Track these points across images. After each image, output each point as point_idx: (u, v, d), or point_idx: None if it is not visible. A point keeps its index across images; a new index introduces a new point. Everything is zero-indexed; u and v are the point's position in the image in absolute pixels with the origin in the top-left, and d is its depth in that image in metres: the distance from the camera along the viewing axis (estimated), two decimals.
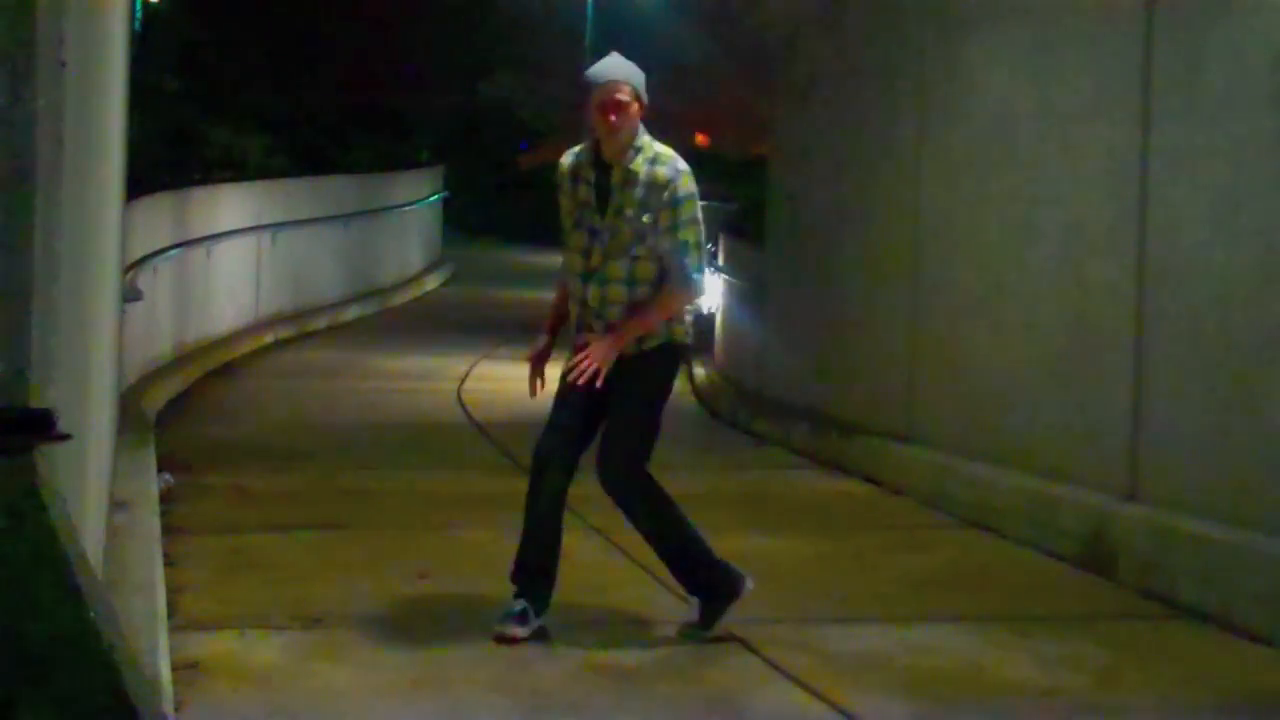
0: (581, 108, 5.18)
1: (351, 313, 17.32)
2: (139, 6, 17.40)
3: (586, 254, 5.14)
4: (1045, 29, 7.12)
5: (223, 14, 24.35)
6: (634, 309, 5.11)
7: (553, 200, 5.33)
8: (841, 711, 4.53)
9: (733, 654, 5.08)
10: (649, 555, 6.39)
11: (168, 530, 6.29)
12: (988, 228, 7.57)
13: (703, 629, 5.20)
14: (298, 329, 15.50)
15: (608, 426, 5.20)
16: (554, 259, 28.86)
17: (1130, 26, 6.40)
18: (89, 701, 2.11)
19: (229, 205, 14.35)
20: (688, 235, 5.09)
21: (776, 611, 5.61)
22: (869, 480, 8.44)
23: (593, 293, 5.13)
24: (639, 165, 5.09)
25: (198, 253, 12.91)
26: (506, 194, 34.12)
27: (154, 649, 4.23)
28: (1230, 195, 5.80)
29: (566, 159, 5.26)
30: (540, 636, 5.14)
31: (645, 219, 5.05)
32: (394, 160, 22.08)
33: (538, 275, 24.75)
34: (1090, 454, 6.61)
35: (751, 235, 11.94)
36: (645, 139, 5.14)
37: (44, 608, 2.16)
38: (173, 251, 11.77)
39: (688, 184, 5.10)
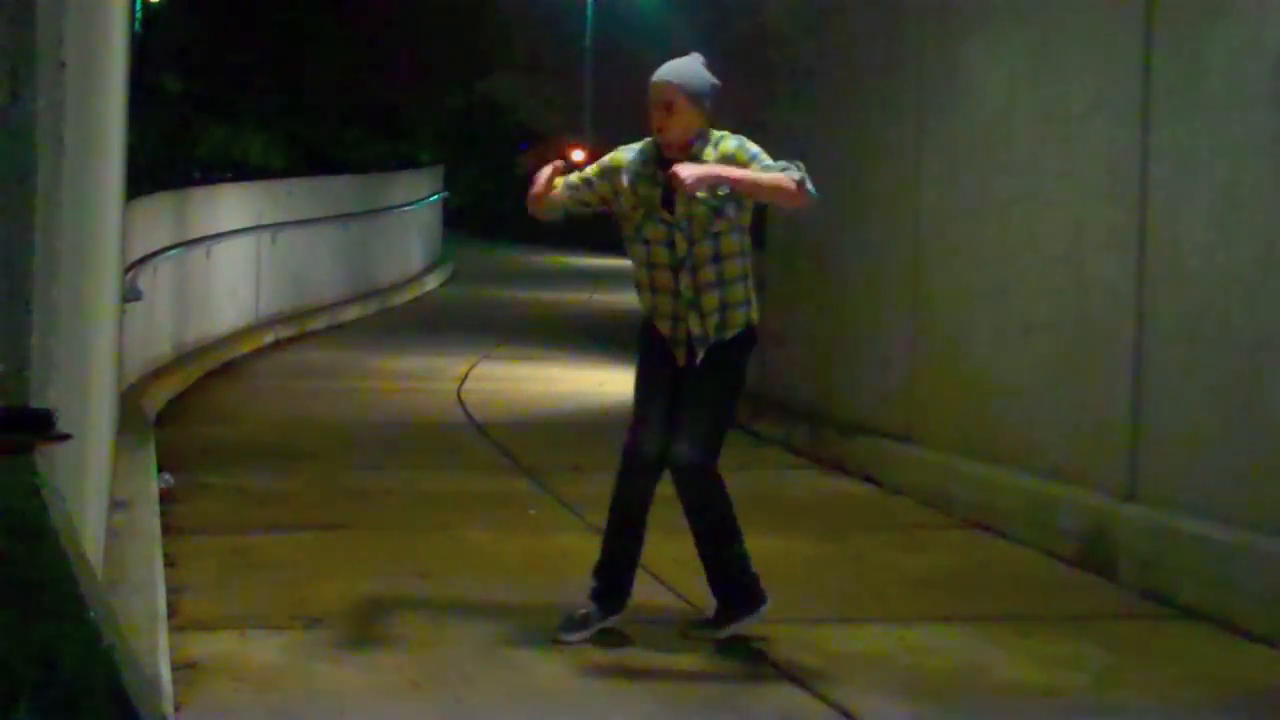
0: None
1: (351, 313, 17.32)
2: (139, 6, 17.40)
3: (670, 244, 5.15)
4: (1045, 29, 7.12)
5: (223, 14, 24.36)
6: (724, 283, 5.14)
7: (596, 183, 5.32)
8: (841, 711, 4.53)
9: (733, 654, 5.08)
10: (649, 555, 6.40)
11: (168, 530, 6.29)
12: (988, 228, 7.57)
13: (712, 629, 5.20)
14: (298, 329, 15.50)
15: (684, 415, 5.18)
16: (554, 259, 28.58)
17: (1130, 26, 6.39)
18: (89, 701, 2.11)
19: (229, 205, 14.35)
20: (787, 164, 5.09)
21: (776, 611, 5.61)
22: (869, 480, 8.44)
23: (684, 281, 5.14)
24: (703, 150, 5.12)
25: (198, 253, 12.91)
26: (506, 194, 34.13)
27: (154, 649, 4.23)
28: (1230, 195, 5.80)
29: (625, 154, 5.27)
30: (611, 641, 5.14)
31: (721, 191, 5.07)
32: (394, 160, 22.08)
33: (537, 275, 24.77)
34: (1090, 454, 6.61)
35: (751, 235, 11.93)
36: (714, 133, 5.17)
37: (43, 608, 2.16)
38: (173, 251, 11.77)
39: (753, 144, 5.14)
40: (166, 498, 7.00)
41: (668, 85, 5.15)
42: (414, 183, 22.13)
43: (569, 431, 10.38)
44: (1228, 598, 5.56)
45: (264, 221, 15.17)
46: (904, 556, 6.73)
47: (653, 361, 5.27)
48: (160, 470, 7.46)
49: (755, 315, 5.31)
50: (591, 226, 30.99)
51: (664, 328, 5.22)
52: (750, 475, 8.85)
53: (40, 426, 2.34)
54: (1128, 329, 6.35)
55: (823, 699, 4.62)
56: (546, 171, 5.23)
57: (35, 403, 2.36)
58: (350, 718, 4.35)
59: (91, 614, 2.18)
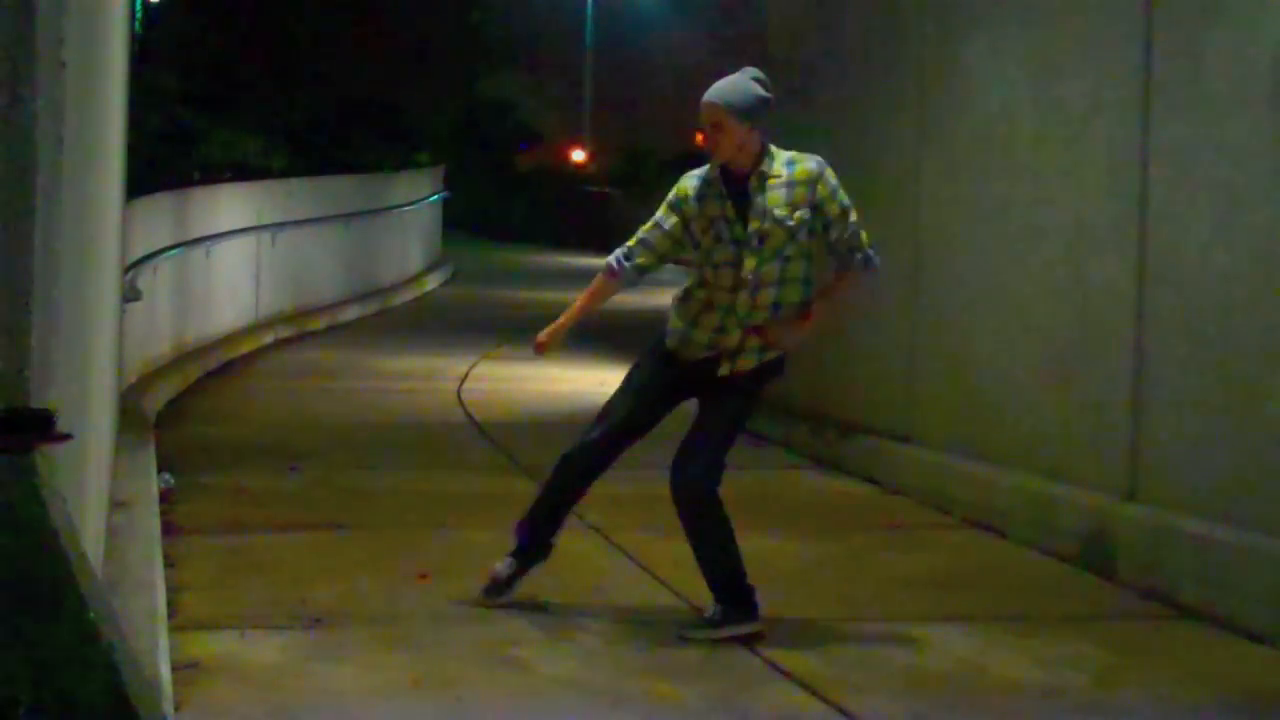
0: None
1: (351, 313, 17.31)
2: (139, 6, 17.39)
3: (737, 264, 5.15)
4: (1045, 28, 7.12)
5: (223, 14, 24.35)
6: (779, 306, 5.17)
7: (629, 210, 5.39)
8: (841, 711, 4.53)
9: (733, 654, 5.08)
10: (649, 555, 6.41)
11: (168, 530, 6.29)
12: (988, 227, 7.57)
13: (709, 625, 5.21)
14: (298, 329, 15.50)
15: (697, 431, 5.24)
16: (554, 259, 28.58)
17: (1130, 26, 6.39)
18: (89, 701, 2.11)
19: (229, 205, 14.35)
20: (856, 219, 5.20)
21: (776, 611, 5.61)
22: (869, 480, 8.43)
23: (742, 300, 5.15)
24: (777, 169, 5.14)
25: (198, 253, 12.91)
26: (506, 194, 34.13)
27: (154, 649, 4.23)
28: (1231, 194, 5.80)
29: (690, 181, 5.29)
30: (611, 641, 5.19)
31: (797, 215, 5.11)
32: (394, 160, 22.07)
33: (537, 275, 24.77)
34: (1090, 454, 6.61)
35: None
36: (771, 149, 5.20)
37: (43, 608, 2.16)
38: (173, 251, 11.77)
39: (834, 174, 5.20)
40: (166, 498, 7.00)
41: (713, 105, 5.16)
42: (414, 183, 22.12)
43: (569, 431, 10.34)
44: (1228, 598, 5.56)
45: (264, 221, 15.16)
46: (904, 556, 6.72)
47: (661, 372, 5.32)
48: (160, 470, 7.46)
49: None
50: (591, 226, 31.02)
51: (700, 337, 5.22)
52: (750, 475, 8.85)
53: (40, 426, 2.34)
54: (1128, 329, 6.35)
55: (823, 699, 4.62)
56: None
57: (35, 403, 2.36)
58: (350, 718, 4.35)
59: (91, 614, 2.18)
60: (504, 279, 23.63)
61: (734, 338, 5.19)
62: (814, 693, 4.67)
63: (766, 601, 5.62)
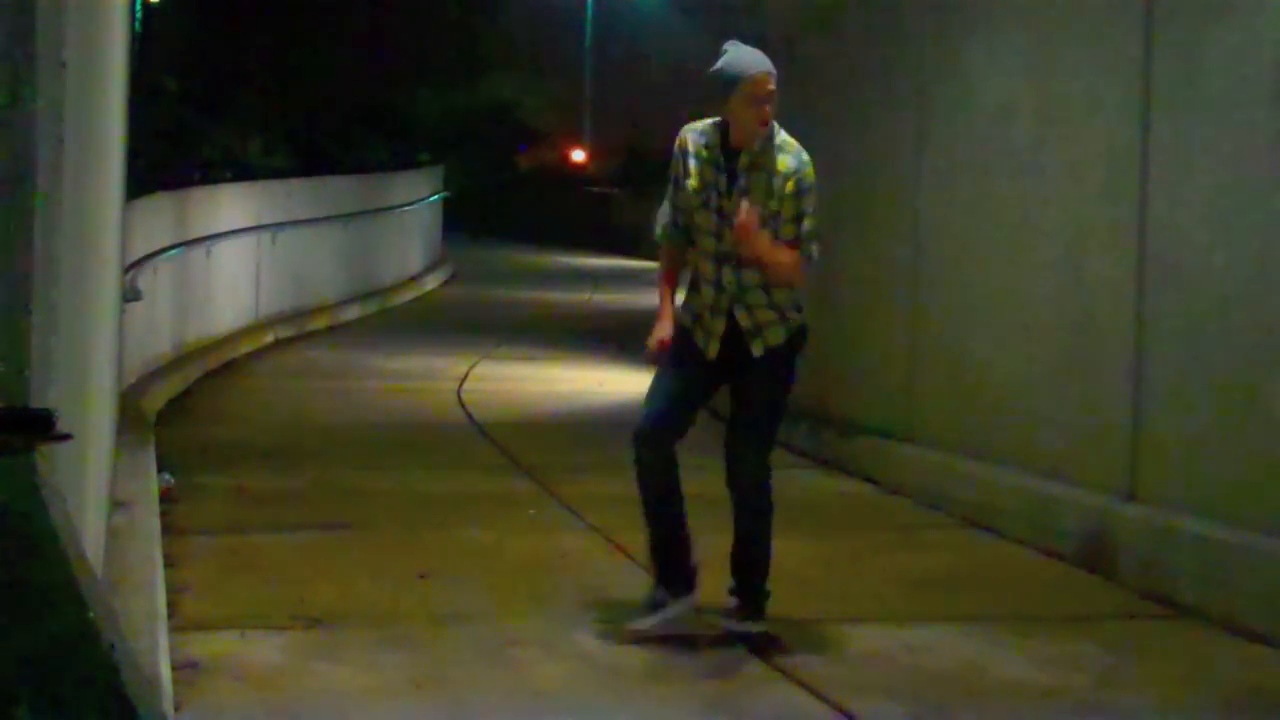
0: (713, 99, 5.12)
1: (351, 313, 17.31)
2: (139, 6, 17.40)
3: (718, 235, 5.13)
4: (1045, 28, 7.12)
5: (223, 14, 24.36)
6: (768, 291, 5.13)
7: (639, 173, 5.32)
8: (841, 711, 4.53)
9: (733, 654, 5.08)
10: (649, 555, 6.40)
11: (168, 530, 6.29)
12: (988, 227, 7.57)
13: (737, 620, 5.17)
14: (298, 329, 15.49)
15: (741, 417, 5.20)
16: (554, 259, 28.53)
17: (1130, 26, 6.39)
18: (89, 701, 2.11)
19: (229, 205, 14.34)
20: (810, 224, 5.11)
21: (777, 611, 5.61)
22: (869, 480, 8.43)
23: (727, 276, 5.12)
24: (769, 153, 5.09)
25: (198, 253, 12.91)
26: (506, 194, 34.11)
27: (154, 649, 4.23)
28: (1230, 194, 5.80)
29: (691, 136, 5.21)
30: (611, 641, 5.13)
31: (772, 204, 5.07)
32: (394, 160, 22.06)
33: (537, 275, 24.76)
34: (1090, 454, 6.61)
35: None
36: (778, 133, 5.16)
37: (44, 608, 2.16)
38: (173, 251, 11.76)
39: (811, 175, 5.13)
40: (166, 498, 7.00)
41: (771, 76, 5.09)
42: (414, 183, 22.10)
43: (569, 431, 10.37)
44: (1228, 598, 5.56)
45: (264, 221, 15.15)
46: (904, 556, 6.72)
47: (679, 354, 5.28)
48: (160, 470, 7.46)
49: (801, 320, 5.27)
50: (591, 226, 31.00)
51: (702, 319, 5.19)
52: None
53: (40, 426, 2.34)
54: (1128, 329, 6.35)
55: (823, 699, 4.62)
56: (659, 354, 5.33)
57: (35, 403, 2.35)
58: (350, 718, 4.35)
59: (91, 614, 2.18)
60: (504, 279, 23.62)
61: (738, 315, 5.13)
62: (814, 693, 4.67)
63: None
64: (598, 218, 31.36)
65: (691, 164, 5.18)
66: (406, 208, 21.04)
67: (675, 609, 5.18)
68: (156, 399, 10.15)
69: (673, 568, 5.23)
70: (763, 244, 5.00)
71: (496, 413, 10.81)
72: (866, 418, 8.75)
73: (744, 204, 4.98)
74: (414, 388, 12.15)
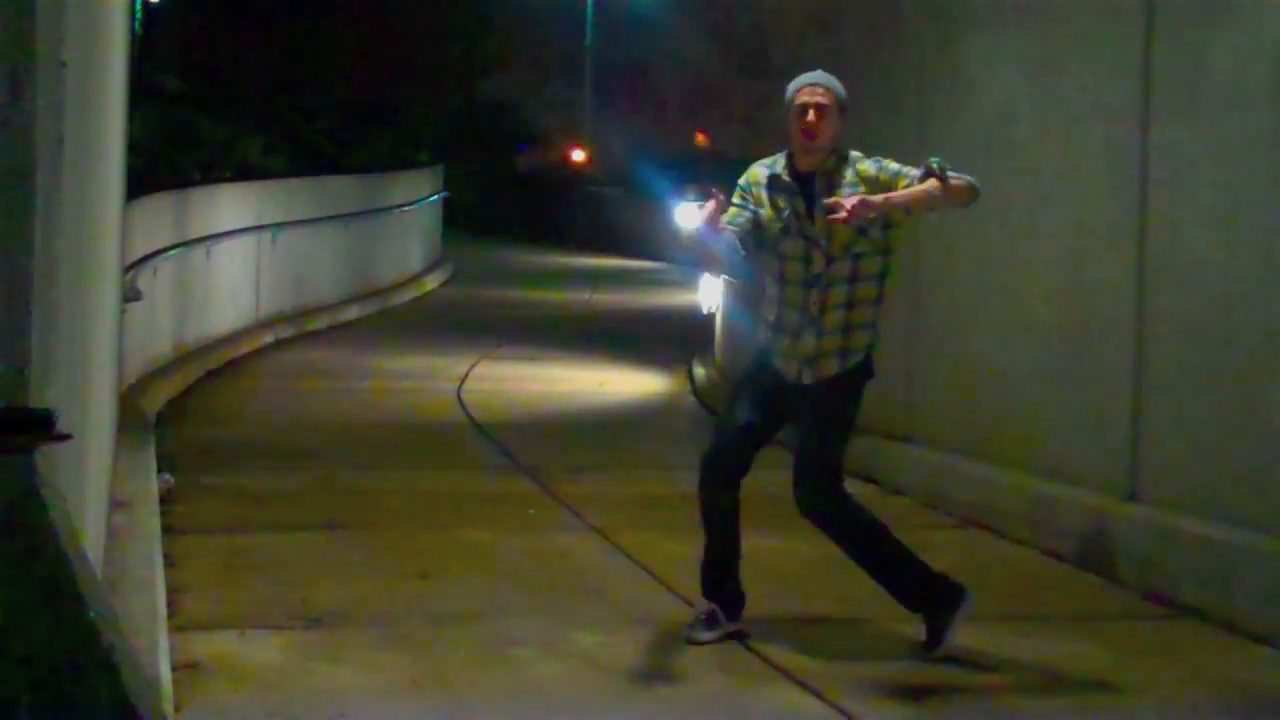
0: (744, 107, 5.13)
1: (351, 313, 17.31)
2: (139, 6, 17.40)
3: (807, 260, 5.08)
4: (1045, 29, 7.12)
5: (223, 14, 24.36)
6: (853, 305, 5.09)
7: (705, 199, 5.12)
8: (841, 711, 4.53)
9: (733, 654, 5.08)
10: (649, 555, 6.41)
11: (168, 530, 6.29)
12: (988, 227, 7.57)
13: (931, 648, 5.07)
14: (298, 329, 15.49)
15: (806, 443, 5.16)
16: (554, 259, 28.46)
17: (1130, 26, 6.39)
18: (89, 701, 2.11)
19: (229, 205, 14.35)
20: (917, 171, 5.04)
21: (777, 611, 5.61)
22: (869, 480, 8.42)
23: (814, 296, 5.08)
24: (841, 171, 5.08)
25: (198, 253, 12.91)
26: (506, 194, 34.11)
27: (154, 649, 4.23)
28: (1230, 194, 5.80)
29: (760, 168, 5.19)
30: (611, 641, 5.13)
31: (860, 243, 5.04)
32: (394, 160, 22.06)
33: (537, 275, 24.76)
34: (1090, 454, 6.61)
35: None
36: (851, 152, 5.13)
37: (44, 608, 2.16)
38: (173, 251, 11.76)
39: (890, 162, 5.12)
40: (166, 498, 7.00)
41: (825, 89, 5.08)
42: (414, 183, 22.10)
43: (569, 431, 10.37)
44: (1228, 598, 5.56)
45: (264, 221, 15.15)
46: None
47: (757, 380, 5.22)
48: (160, 470, 7.46)
49: (876, 341, 5.24)
50: (591, 227, 31.00)
51: (782, 346, 5.13)
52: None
53: (40, 426, 2.34)
54: (1128, 329, 6.35)
55: (823, 699, 4.62)
56: (710, 206, 4.99)
57: (35, 403, 2.36)
58: (350, 718, 4.35)
59: (91, 614, 2.18)
60: (504, 279, 23.62)
61: (809, 344, 5.09)
62: (814, 693, 4.67)
63: (767, 601, 5.62)
64: (597, 218, 31.36)
65: (763, 194, 5.14)
66: (406, 208, 21.04)
67: (730, 628, 5.16)
68: (156, 399, 10.15)
69: (721, 592, 5.22)
70: (874, 201, 4.86)
71: (496, 413, 10.81)
72: (867, 418, 8.73)
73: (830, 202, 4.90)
74: (414, 388, 12.15)
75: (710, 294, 14.09)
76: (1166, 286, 6.15)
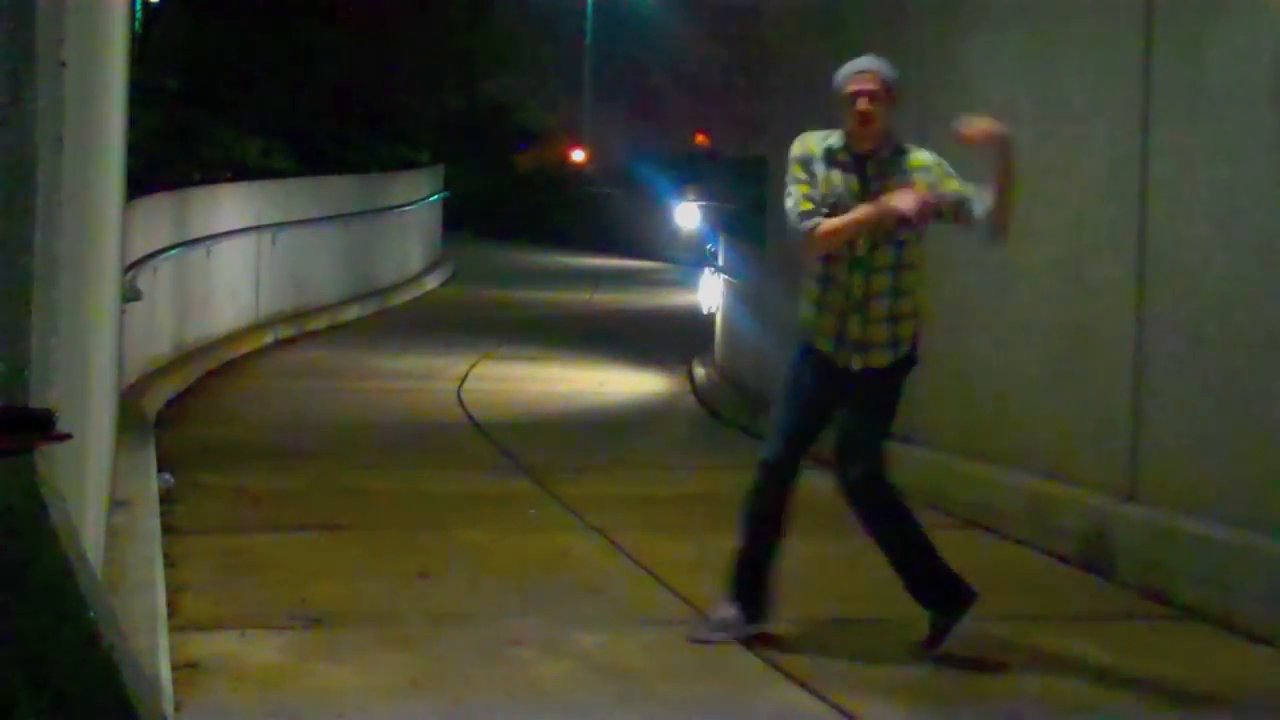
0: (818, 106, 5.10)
1: (351, 313, 17.31)
2: (139, 6, 17.40)
3: (850, 241, 5.06)
4: (1045, 29, 7.12)
5: (223, 14, 24.34)
6: (898, 294, 5.08)
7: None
8: (841, 711, 4.53)
9: (733, 654, 5.08)
10: (649, 555, 6.41)
11: (168, 530, 6.29)
12: None
13: (931, 648, 5.08)
14: (298, 329, 15.50)
15: (855, 434, 5.15)
16: (554, 259, 28.40)
17: (1130, 26, 6.39)
18: (89, 701, 2.11)
19: (229, 205, 14.35)
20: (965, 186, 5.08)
21: (776, 611, 5.61)
22: None
23: (857, 280, 5.06)
24: (897, 161, 5.08)
25: (198, 253, 12.91)
26: (506, 194, 34.11)
27: (154, 649, 4.23)
28: (1230, 194, 5.80)
29: (814, 142, 5.15)
30: (611, 641, 5.13)
31: (903, 229, 5.04)
32: (394, 160, 22.06)
33: (537, 275, 24.76)
34: (1090, 454, 6.61)
35: (751, 235, 11.94)
36: (905, 144, 5.13)
37: (44, 608, 2.16)
38: (173, 251, 11.76)
39: (941, 160, 5.13)
40: (166, 498, 7.00)
41: (880, 77, 5.07)
42: (414, 183, 22.11)
43: (569, 431, 10.38)
44: (1228, 598, 5.56)
45: (264, 221, 15.15)
46: None
47: (808, 376, 5.17)
48: (160, 470, 7.46)
49: (921, 328, 5.24)
50: (591, 227, 30.99)
51: (828, 326, 5.10)
52: (750, 475, 8.85)
53: (40, 426, 2.34)
54: (1128, 329, 6.35)
55: (823, 699, 4.62)
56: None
57: (35, 403, 2.35)
58: (350, 718, 4.35)
59: (91, 614, 2.18)
60: (504, 279, 23.62)
61: (854, 328, 5.07)
62: (814, 693, 4.67)
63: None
64: (597, 218, 31.36)
65: (819, 169, 5.10)
66: (406, 208, 21.04)
67: (742, 632, 5.13)
68: (156, 399, 10.15)
69: (753, 592, 5.17)
70: (926, 195, 4.93)
71: (496, 413, 10.81)
72: None
73: (905, 193, 4.92)
74: (414, 388, 12.15)
75: (710, 294, 14.10)
76: (1166, 286, 6.15)
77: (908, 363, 5.20)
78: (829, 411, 5.23)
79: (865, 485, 5.14)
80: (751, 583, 5.20)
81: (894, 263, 5.09)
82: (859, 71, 5.10)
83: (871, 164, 5.09)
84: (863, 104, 5.03)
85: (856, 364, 5.11)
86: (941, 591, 5.16)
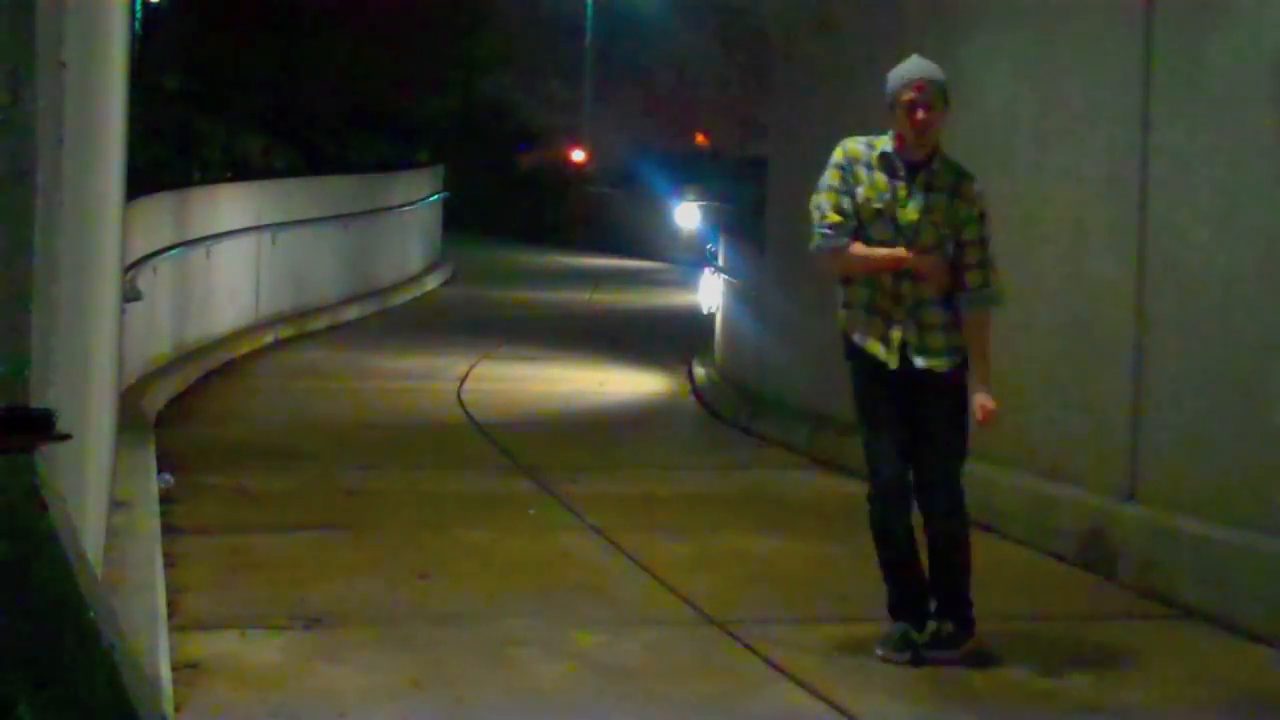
0: (887, 109, 5.06)
1: (351, 313, 17.32)
2: (139, 6, 17.40)
3: (893, 246, 5.02)
4: (1045, 29, 7.12)
5: (223, 14, 24.35)
6: (948, 303, 5.07)
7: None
8: (841, 711, 4.53)
9: (733, 654, 5.08)
10: (649, 555, 6.41)
11: (168, 530, 6.29)
12: None
13: (932, 649, 5.07)
14: (298, 329, 15.50)
15: (936, 448, 5.10)
16: (554, 259, 28.40)
17: (1130, 26, 6.39)
18: (89, 701, 2.11)
19: (229, 205, 14.35)
20: (989, 254, 5.14)
21: (776, 611, 5.61)
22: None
23: (906, 287, 5.02)
24: (945, 175, 5.06)
25: (198, 253, 12.91)
26: (506, 194, 34.12)
27: (154, 649, 4.23)
28: (1230, 195, 5.80)
29: (858, 148, 5.11)
30: (611, 641, 5.13)
31: (947, 230, 5.04)
32: (394, 160, 22.06)
33: (537, 275, 24.77)
34: (1090, 454, 6.61)
35: (751, 235, 11.95)
36: (946, 154, 5.11)
37: (44, 608, 2.16)
38: (173, 251, 11.77)
39: (987, 203, 5.15)
40: (166, 498, 7.00)
41: (935, 83, 5.03)
42: (414, 183, 22.11)
43: (569, 431, 10.38)
44: (1228, 598, 5.56)
45: (264, 221, 15.16)
46: None
47: (875, 388, 5.10)
48: (160, 470, 7.46)
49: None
50: (591, 226, 31.00)
51: (874, 330, 5.04)
52: (750, 475, 8.86)
53: (40, 426, 2.34)
54: (1128, 329, 6.35)
55: (823, 699, 4.62)
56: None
57: (35, 403, 2.36)
58: (350, 718, 4.35)
59: (91, 614, 2.18)
60: (504, 279, 23.63)
61: (911, 333, 5.03)
62: (814, 693, 4.67)
63: (767, 601, 5.62)
64: (597, 218, 31.36)
65: (863, 172, 5.06)
66: (406, 208, 21.05)
67: (919, 639, 5.06)
68: (156, 399, 10.15)
69: (914, 608, 5.11)
70: (990, 408, 5.08)
71: (496, 413, 10.81)
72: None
73: (927, 259, 4.98)
74: (414, 388, 12.16)
75: (710, 294, 14.10)
76: (1166, 286, 6.15)
77: (964, 369, 5.16)
78: (910, 418, 5.12)
79: (954, 504, 5.12)
80: (912, 603, 5.12)
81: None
82: (918, 79, 5.03)
83: (923, 174, 5.05)
84: (923, 114, 4.98)
85: (921, 363, 5.06)
86: (964, 612, 5.15)
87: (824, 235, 5.06)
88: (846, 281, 5.12)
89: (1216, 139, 5.86)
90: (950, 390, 5.11)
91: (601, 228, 30.63)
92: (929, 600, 5.14)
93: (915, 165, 5.05)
